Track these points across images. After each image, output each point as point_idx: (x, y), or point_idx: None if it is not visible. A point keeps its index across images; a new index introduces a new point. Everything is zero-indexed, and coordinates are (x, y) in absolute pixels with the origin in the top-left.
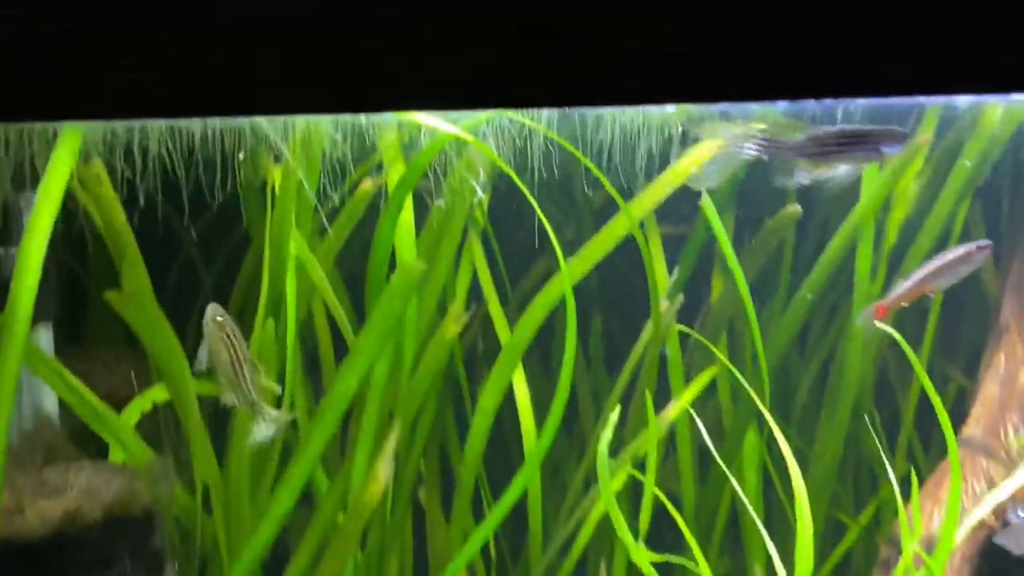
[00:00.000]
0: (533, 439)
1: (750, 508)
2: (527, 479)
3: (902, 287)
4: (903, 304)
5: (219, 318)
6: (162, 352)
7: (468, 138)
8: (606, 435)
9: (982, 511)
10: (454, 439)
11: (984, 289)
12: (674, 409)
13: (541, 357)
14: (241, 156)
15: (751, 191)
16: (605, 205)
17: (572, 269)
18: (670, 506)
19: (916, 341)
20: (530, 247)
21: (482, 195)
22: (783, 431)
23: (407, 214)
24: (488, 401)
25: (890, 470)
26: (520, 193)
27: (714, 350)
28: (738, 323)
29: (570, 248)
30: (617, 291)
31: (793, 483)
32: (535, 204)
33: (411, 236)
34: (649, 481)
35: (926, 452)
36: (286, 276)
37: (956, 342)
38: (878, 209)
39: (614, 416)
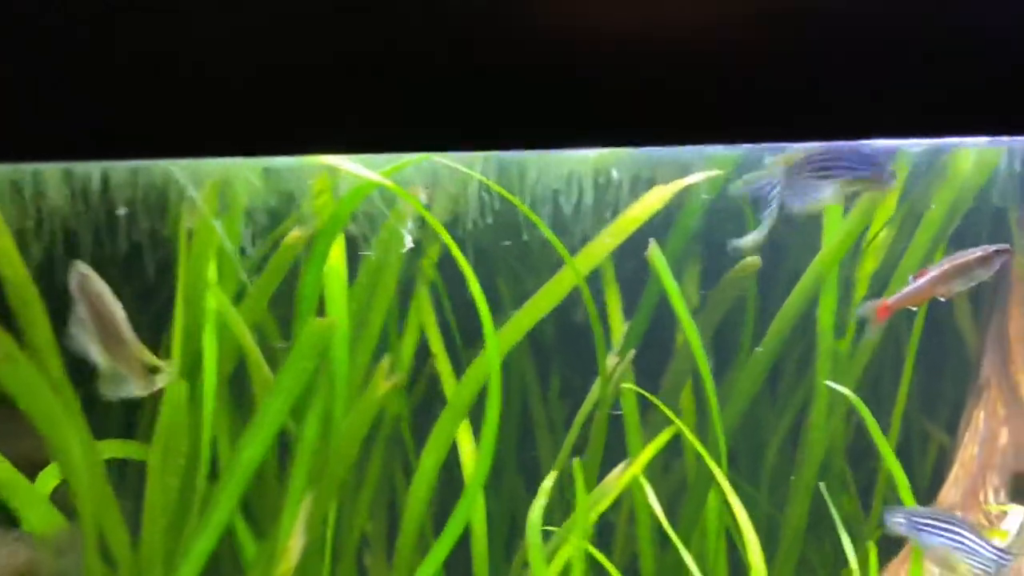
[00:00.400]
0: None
1: None
2: (446, 545)
3: (911, 286)
4: (910, 306)
5: (83, 271)
6: (44, 418)
7: (388, 183)
8: (538, 503)
9: None
10: (403, 500)
11: (965, 343)
12: (623, 473)
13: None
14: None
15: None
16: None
17: (519, 323)
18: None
19: (893, 397)
20: (490, 299)
21: (411, 244)
22: (751, 493)
23: (339, 265)
24: (428, 461)
25: (847, 542)
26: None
27: (665, 409)
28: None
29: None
30: (580, 344)
31: (748, 554)
32: (461, 258)
33: (342, 288)
34: (573, 544)
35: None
36: (202, 333)
37: (937, 398)
38: (841, 258)
39: (548, 484)
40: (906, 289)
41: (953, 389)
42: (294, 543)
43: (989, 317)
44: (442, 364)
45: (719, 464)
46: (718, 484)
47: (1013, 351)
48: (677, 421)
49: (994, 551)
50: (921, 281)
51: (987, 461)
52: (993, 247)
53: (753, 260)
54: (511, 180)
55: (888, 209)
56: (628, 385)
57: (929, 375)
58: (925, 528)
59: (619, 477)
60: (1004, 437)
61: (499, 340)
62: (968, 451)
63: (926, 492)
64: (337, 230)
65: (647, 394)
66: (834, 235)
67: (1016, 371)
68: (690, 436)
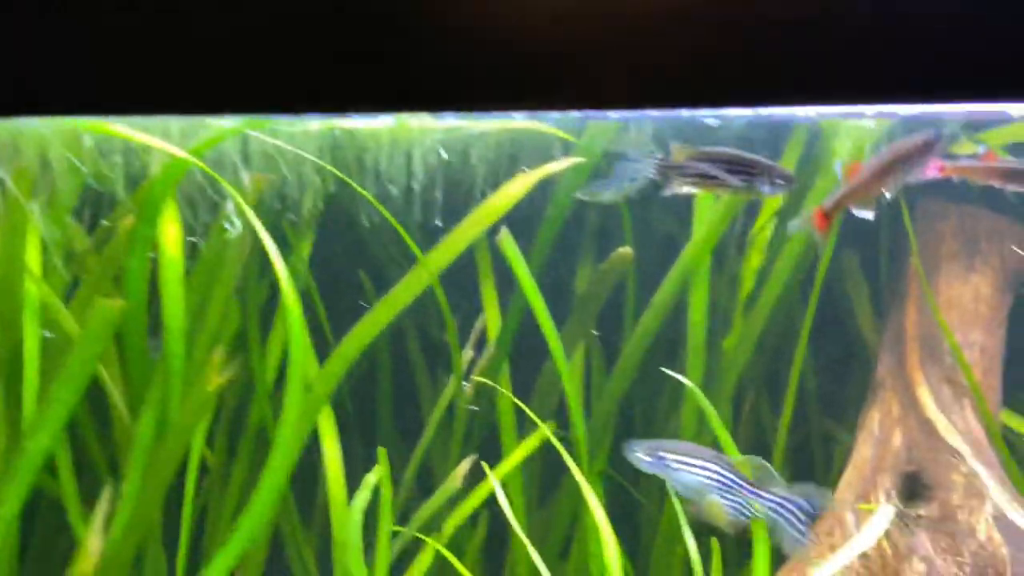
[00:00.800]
0: (342, 502)
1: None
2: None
3: (846, 185)
4: (849, 206)
5: None
6: None
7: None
8: (361, 496)
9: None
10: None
11: (866, 344)
12: (457, 473)
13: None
14: None
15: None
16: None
17: (375, 319)
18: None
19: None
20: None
21: (237, 229)
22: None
23: (175, 254)
24: (278, 461)
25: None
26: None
27: (526, 409)
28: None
29: None
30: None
31: (604, 555)
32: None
33: (177, 279)
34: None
35: None
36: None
37: (840, 399)
38: (711, 249)
39: (371, 478)
40: (842, 188)
41: (857, 391)
42: (93, 541)
43: (887, 316)
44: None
45: (578, 462)
46: (575, 481)
47: (909, 350)
48: (541, 424)
49: (752, 490)
50: (858, 176)
51: (879, 463)
52: (927, 133)
53: (625, 251)
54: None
55: (775, 201)
56: (482, 380)
57: (831, 375)
58: (672, 463)
59: (461, 474)
60: (898, 438)
61: (353, 339)
62: (861, 453)
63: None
64: (156, 213)
65: (504, 390)
66: (704, 224)
67: (912, 370)
68: (548, 432)
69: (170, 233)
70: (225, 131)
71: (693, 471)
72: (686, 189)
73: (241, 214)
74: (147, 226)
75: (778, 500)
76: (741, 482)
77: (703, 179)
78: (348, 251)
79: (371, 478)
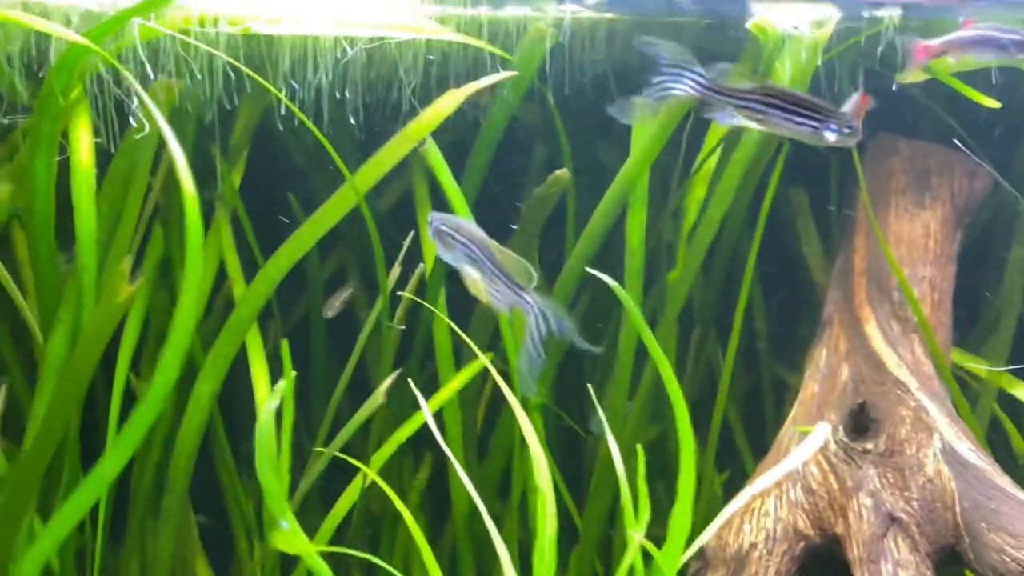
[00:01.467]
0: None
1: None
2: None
3: (955, 36)
4: (947, 55)
5: None
6: None
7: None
8: (271, 403)
9: (736, 504)
10: None
11: (815, 281)
12: (379, 390)
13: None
14: None
15: None
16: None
17: (301, 238)
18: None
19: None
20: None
21: (146, 130)
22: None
23: (86, 159)
24: (204, 388)
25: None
26: None
27: (465, 339)
28: None
29: None
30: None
31: (535, 473)
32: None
33: (90, 190)
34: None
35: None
36: None
37: (792, 344)
38: (647, 167)
39: (280, 385)
40: (950, 37)
41: (806, 329)
42: None
43: (836, 252)
44: (238, 289)
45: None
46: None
47: (857, 285)
48: (482, 356)
49: (508, 283)
50: (964, 35)
51: (826, 398)
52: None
53: (563, 173)
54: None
55: (719, 132)
56: (409, 296)
57: (781, 315)
58: (445, 234)
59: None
60: (844, 373)
61: (278, 259)
62: (808, 390)
63: (774, 429)
64: (58, 108)
65: (439, 312)
66: (641, 141)
67: (860, 305)
68: (484, 358)
69: (82, 139)
70: (125, 12)
71: (457, 245)
72: (735, 121)
73: (149, 117)
74: (50, 123)
75: (528, 301)
76: (499, 272)
77: (757, 114)
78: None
79: (281, 385)
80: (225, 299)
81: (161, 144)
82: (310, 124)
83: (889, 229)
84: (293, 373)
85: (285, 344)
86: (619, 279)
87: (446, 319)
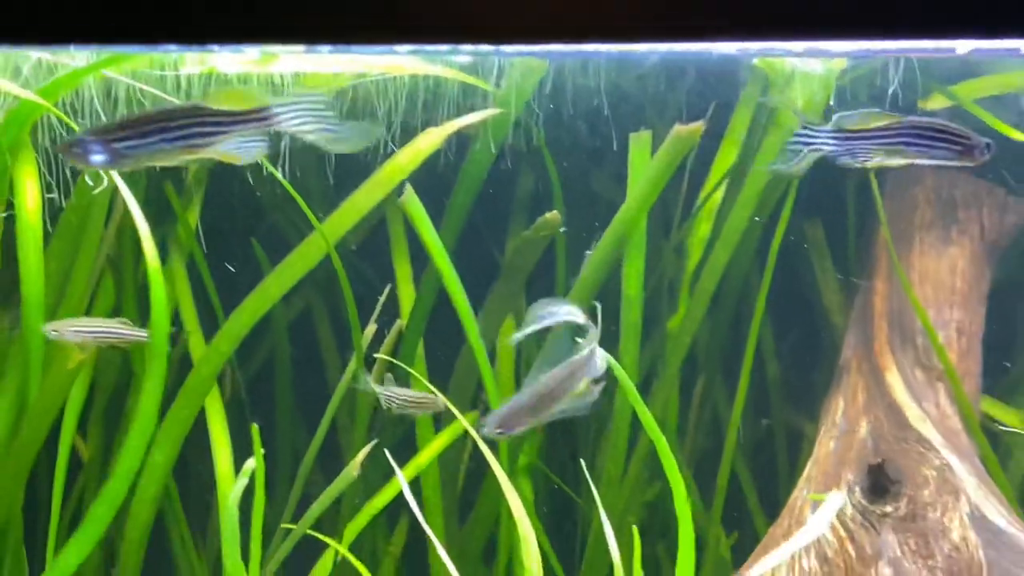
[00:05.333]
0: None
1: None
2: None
3: None
4: None
5: None
6: None
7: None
8: (239, 484)
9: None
10: None
11: (832, 324)
12: (355, 462)
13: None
14: None
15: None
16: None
17: (267, 290)
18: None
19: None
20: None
21: (104, 184)
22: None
23: (34, 213)
24: (161, 455)
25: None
26: None
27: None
28: None
29: None
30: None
31: (523, 551)
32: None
33: (37, 245)
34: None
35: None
36: None
37: (807, 392)
38: (645, 211)
39: (250, 464)
40: None
41: (822, 376)
42: None
43: (854, 293)
44: (196, 340)
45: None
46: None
47: (877, 329)
48: (455, 410)
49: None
50: None
51: (843, 456)
52: None
53: (553, 216)
54: None
55: (724, 164)
56: (384, 357)
57: (793, 359)
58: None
59: (358, 463)
60: (863, 428)
61: (241, 315)
62: (824, 447)
63: (787, 486)
64: (4, 165)
65: (414, 372)
66: (639, 182)
67: (880, 352)
68: (457, 414)
69: (28, 193)
70: (79, 71)
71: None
72: (876, 161)
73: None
74: None
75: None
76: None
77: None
78: (241, 217)
79: (250, 464)
80: (180, 352)
81: (115, 193)
82: (282, 179)
83: (912, 268)
84: (262, 451)
85: (255, 429)
86: (614, 332)
87: (425, 382)
